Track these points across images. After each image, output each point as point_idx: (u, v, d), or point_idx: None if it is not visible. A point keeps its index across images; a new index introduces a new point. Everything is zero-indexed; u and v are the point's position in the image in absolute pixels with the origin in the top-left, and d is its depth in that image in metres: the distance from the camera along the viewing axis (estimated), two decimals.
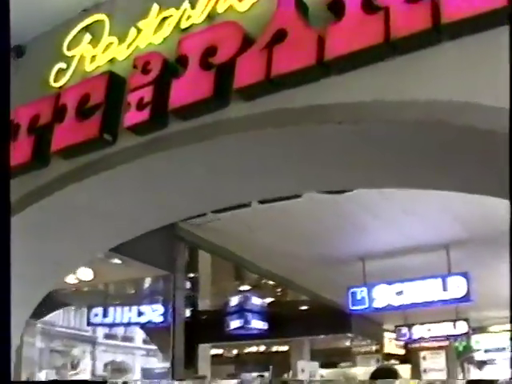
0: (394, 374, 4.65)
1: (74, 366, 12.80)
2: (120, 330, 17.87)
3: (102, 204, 3.20)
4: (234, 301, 12.50)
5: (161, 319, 9.45)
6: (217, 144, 2.85)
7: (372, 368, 16.38)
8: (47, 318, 12.79)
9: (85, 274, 6.75)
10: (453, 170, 2.87)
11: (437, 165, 2.82)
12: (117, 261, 6.39)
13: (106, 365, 17.71)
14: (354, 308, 8.72)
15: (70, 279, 6.91)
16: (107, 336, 18.30)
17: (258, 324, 12.48)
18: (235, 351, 18.82)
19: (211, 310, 14.10)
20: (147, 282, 9.78)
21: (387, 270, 8.79)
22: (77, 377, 13.58)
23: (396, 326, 14.95)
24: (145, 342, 17.67)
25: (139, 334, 17.87)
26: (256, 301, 12.48)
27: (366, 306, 8.59)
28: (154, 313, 9.50)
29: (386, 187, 3.81)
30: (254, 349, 18.24)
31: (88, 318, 9.97)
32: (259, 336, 13.35)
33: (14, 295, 3.32)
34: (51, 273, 3.85)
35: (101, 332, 17.64)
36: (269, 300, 12.80)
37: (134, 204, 3.29)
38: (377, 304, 8.54)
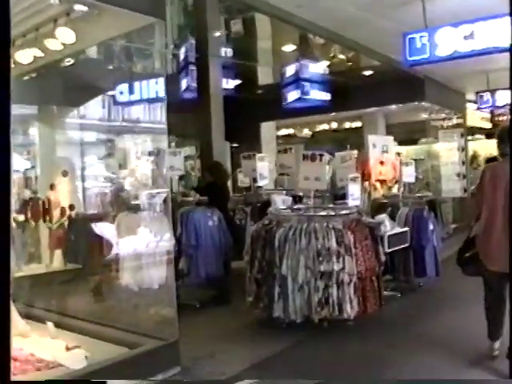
0: None
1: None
2: None
3: None
4: (290, 70, 11.15)
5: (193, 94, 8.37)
6: None
7: (455, 143, 15.24)
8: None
9: (65, 35, 5.51)
10: None
11: None
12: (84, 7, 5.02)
13: None
14: (412, 59, 7.10)
15: (54, 45, 5.72)
16: None
17: (319, 95, 11.21)
18: (306, 130, 17.87)
19: (269, 84, 12.81)
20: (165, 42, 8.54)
21: (453, 11, 7.01)
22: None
23: (477, 92, 13.30)
24: None
25: None
26: (314, 68, 11.06)
27: (427, 55, 6.97)
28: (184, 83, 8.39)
29: None
30: (325, 126, 17.18)
31: (114, 97, 9.03)
32: (322, 109, 12.11)
33: None
34: None
35: None
36: (326, 63, 11.22)
37: None
38: (440, 52, 6.90)
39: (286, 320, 5.86)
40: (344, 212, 6.17)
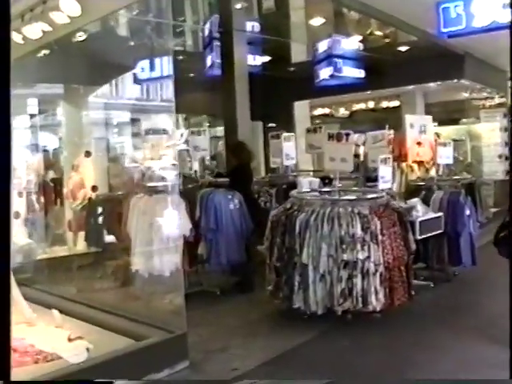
0: None
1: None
2: None
3: None
4: (322, 46, 10.66)
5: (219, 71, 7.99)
6: None
7: (497, 124, 14.50)
8: None
9: (70, 8, 5.18)
10: None
11: None
12: None
13: None
14: (447, 30, 6.55)
15: (60, 18, 5.43)
16: None
17: (352, 72, 10.73)
18: (342, 110, 17.27)
19: (302, 62, 12.28)
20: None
21: None
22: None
23: None
24: None
25: None
26: (347, 44, 10.53)
27: (463, 26, 6.41)
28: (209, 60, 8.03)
29: None
30: (361, 106, 16.55)
31: (134, 75, 8.71)
32: (357, 87, 11.59)
33: None
34: None
35: None
36: (358, 38, 10.60)
37: None
38: (477, 22, 6.33)
39: (307, 312, 5.48)
40: (371, 196, 5.72)
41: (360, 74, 10.71)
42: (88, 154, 10.43)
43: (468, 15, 6.36)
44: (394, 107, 15.80)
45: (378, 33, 11.83)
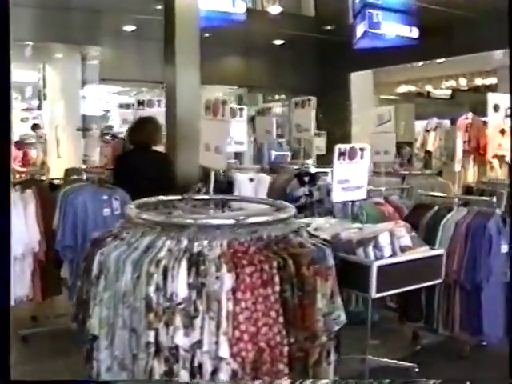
0: None
1: None
2: None
3: None
4: None
5: None
6: None
7: None
8: None
9: None
10: None
11: None
12: None
13: None
14: None
15: None
16: None
17: (397, 29, 7.81)
18: (429, 87, 14.00)
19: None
20: None
21: None
22: None
23: None
24: None
25: None
26: None
27: None
28: None
29: None
30: (452, 83, 13.25)
31: None
32: (407, 51, 8.53)
33: None
34: None
35: None
36: None
37: None
38: None
39: None
40: (252, 220, 3.05)
41: (410, 32, 7.76)
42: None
43: None
44: (490, 85, 12.43)
45: None
